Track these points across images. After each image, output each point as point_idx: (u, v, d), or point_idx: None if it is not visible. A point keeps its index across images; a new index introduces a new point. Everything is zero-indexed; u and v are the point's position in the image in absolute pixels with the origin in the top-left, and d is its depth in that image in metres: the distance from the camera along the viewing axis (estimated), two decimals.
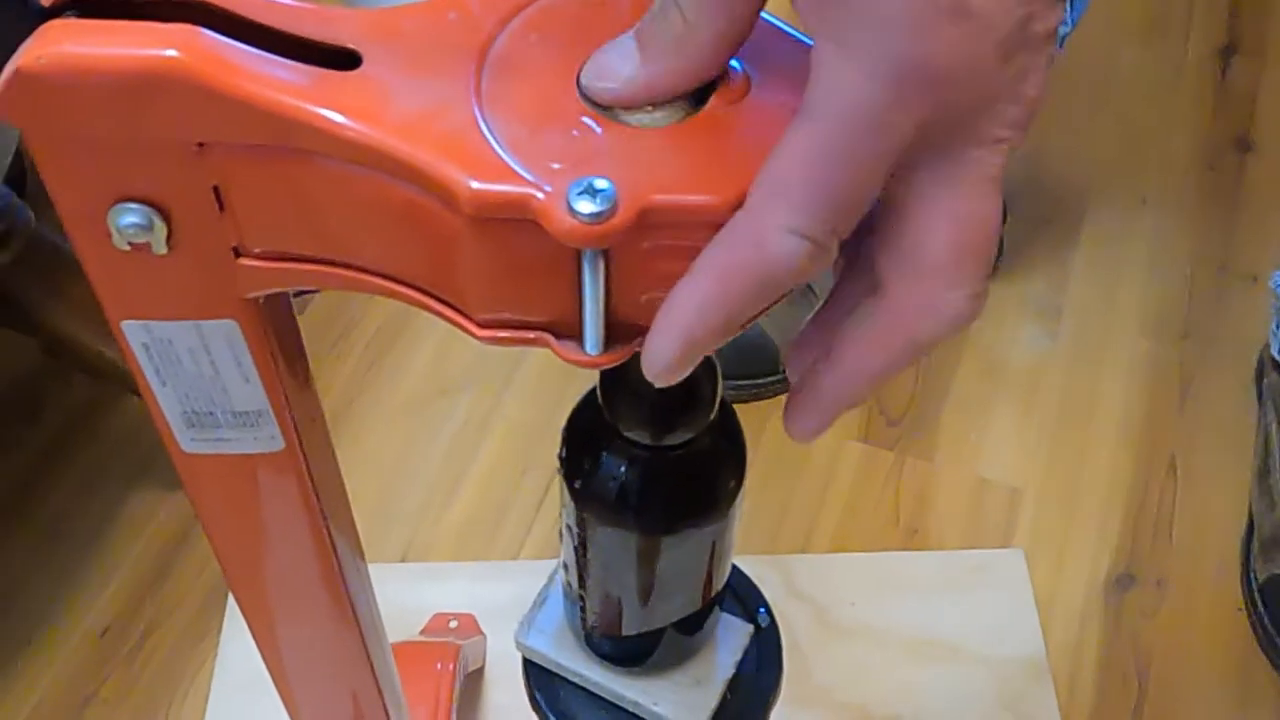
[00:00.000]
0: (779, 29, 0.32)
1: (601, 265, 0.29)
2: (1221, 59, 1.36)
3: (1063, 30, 0.93)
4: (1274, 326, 1.02)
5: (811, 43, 0.32)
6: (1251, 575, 0.96)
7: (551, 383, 1.09)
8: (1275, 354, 1.01)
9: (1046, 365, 1.11)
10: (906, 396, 1.09)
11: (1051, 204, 1.22)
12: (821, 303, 1.26)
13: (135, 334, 0.36)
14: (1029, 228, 1.19)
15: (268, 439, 0.40)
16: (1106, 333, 1.14)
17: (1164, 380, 1.11)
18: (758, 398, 1.07)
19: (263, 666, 0.55)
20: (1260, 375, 1.08)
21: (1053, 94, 0.97)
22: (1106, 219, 1.21)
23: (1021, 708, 0.92)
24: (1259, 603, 0.95)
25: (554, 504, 1.02)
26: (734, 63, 0.31)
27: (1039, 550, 1.00)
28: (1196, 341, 1.13)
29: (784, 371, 1.08)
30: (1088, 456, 1.06)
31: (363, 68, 0.30)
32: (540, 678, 0.56)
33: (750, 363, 1.06)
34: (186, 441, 0.41)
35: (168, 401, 0.39)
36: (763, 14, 0.32)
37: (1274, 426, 1.00)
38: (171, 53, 0.28)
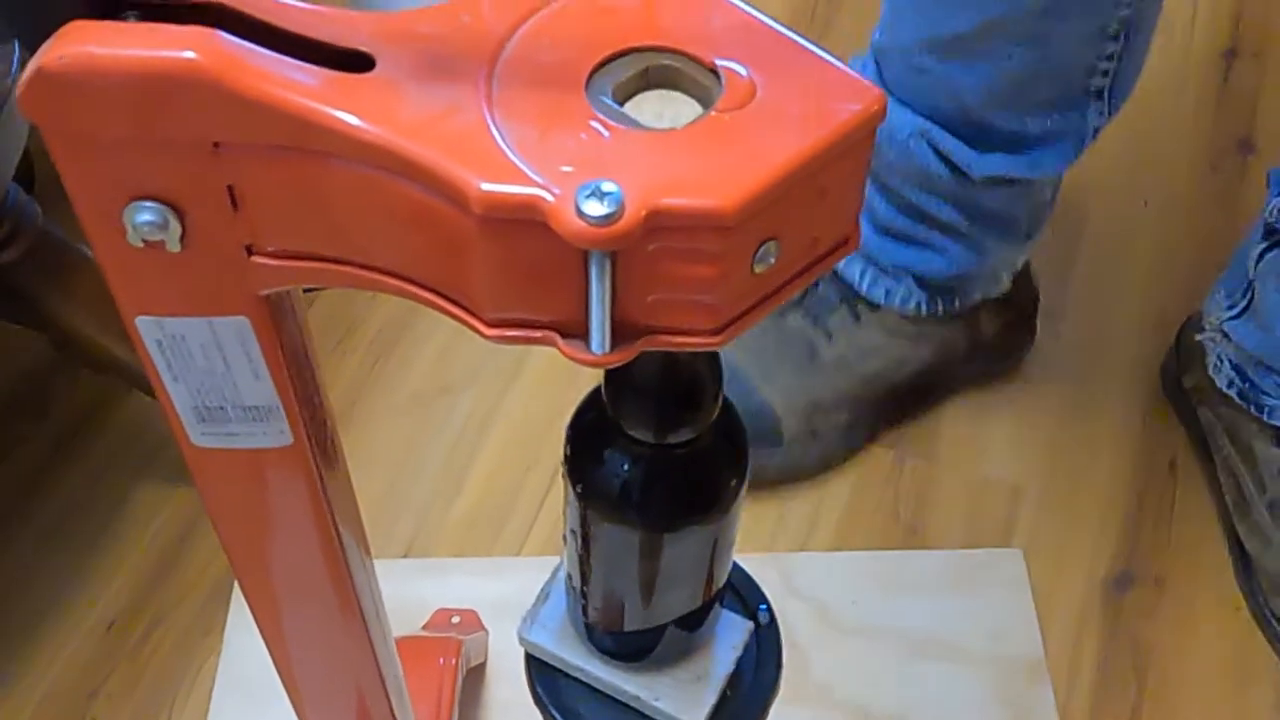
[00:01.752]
0: (783, 35, 0.33)
1: (609, 266, 0.29)
2: (1224, 61, 1.36)
3: (1098, 122, 0.86)
4: (1215, 360, 0.98)
5: (815, 49, 0.32)
6: (1269, 615, 0.95)
7: (555, 382, 1.10)
8: (1224, 388, 0.97)
9: (1048, 365, 1.11)
10: None
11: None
12: (828, 371, 1.13)
13: (149, 330, 0.37)
14: None
15: (277, 434, 0.41)
16: (1108, 333, 1.14)
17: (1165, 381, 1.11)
18: (756, 477, 0.99)
19: (268, 661, 0.56)
20: (1186, 400, 1.04)
21: None
22: (1109, 220, 1.21)
23: (1020, 707, 0.92)
24: None
25: (557, 501, 1.02)
26: (739, 67, 0.32)
27: (1038, 549, 1.00)
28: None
29: (790, 443, 0.97)
30: (1088, 456, 1.06)
31: (376, 70, 0.31)
32: (542, 672, 0.57)
33: (750, 434, 0.98)
34: (197, 435, 0.41)
35: (179, 396, 0.40)
36: (766, 19, 0.33)
37: (1236, 460, 0.98)
38: (189, 54, 0.29)
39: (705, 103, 0.32)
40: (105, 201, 0.32)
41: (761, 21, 0.33)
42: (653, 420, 0.42)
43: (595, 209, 0.28)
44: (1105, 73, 0.83)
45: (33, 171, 1.07)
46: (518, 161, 0.29)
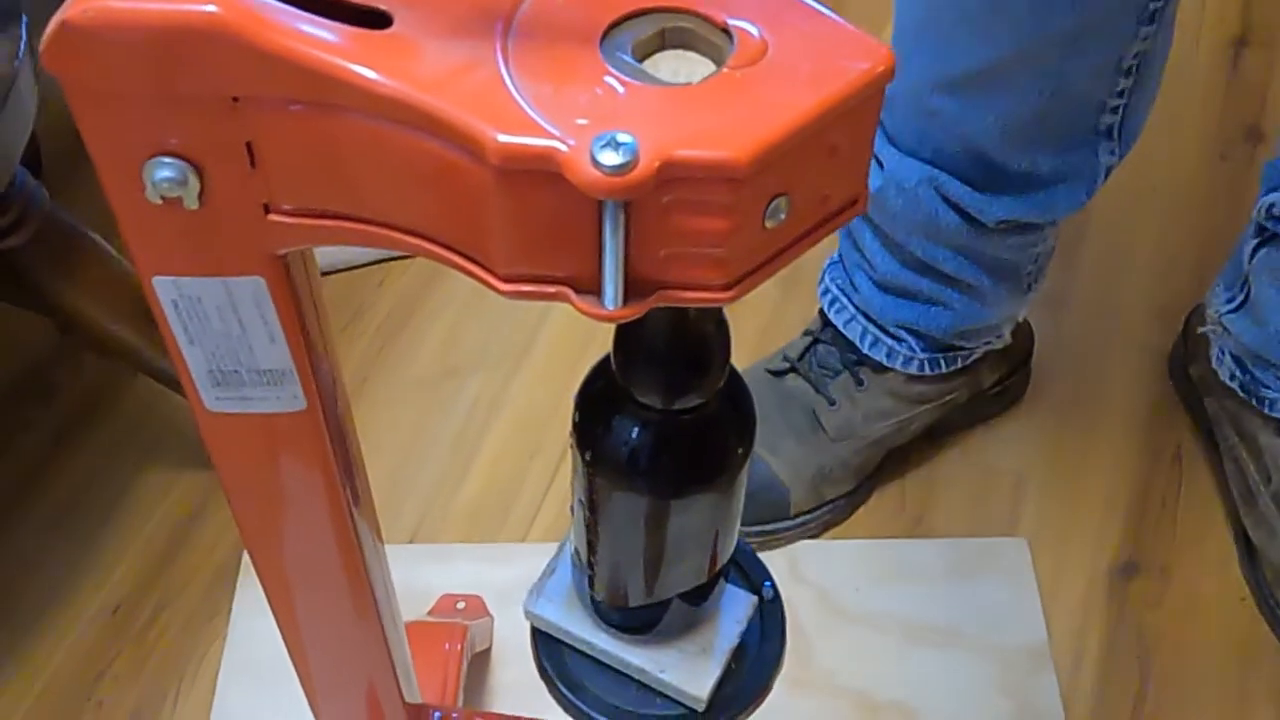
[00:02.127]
0: None
1: (622, 218, 0.30)
2: (1233, 50, 1.36)
3: (1109, 161, 0.86)
4: (1217, 352, 0.99)
5: (825, 10, 0.33)
6: (1273, 604, 0.95)
7: (560, 367, 1.10)
8: (1226, 380, 0.98)
9: (1053, 353, 1.11)
10: None
11: None
12: (833, 440, 1.14)
13: (165, 290, 0.37)
14: None
15: (290, 398, 0.41)
16: (1114, 321, 1.14)
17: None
18: (767, 546, 0.99)
19: (273, 644, 0.56)
20: (1193, 389, 1.05)
21: None
22: (1116, 208, 1.21)
23: (1023, 695, 0.93)
24: None
25: (562, 487, 1.03)
26: (750, 26, 0.32)
27: (1043, 538, 1.01)
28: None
29: (796, 516, 0.98)
30: (1093, 445, 1.06)
31: (394, 27, 0.31)
32: (548, 646, 0.57)
33: (761, 507, 0.98)
34: (211, 400, 0.42)
35: (194, 360, 0.40)
36: None
37: (1241, 450, 0.98)
38: (210, 8, 0.29)
39: (718, 61, 0.32)
40: (125, 158, 0.33)
41: None
42: (661, 385, 0.43)
43: (610, 159, 0.28)
44: (1115, 109, 0.83)
45: (40, 156, 1.08)
46: (534, 114, 0.29)
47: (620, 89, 0.30)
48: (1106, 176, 0.87)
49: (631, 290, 0.32)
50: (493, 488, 1.03)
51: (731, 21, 0.32)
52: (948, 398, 1.01)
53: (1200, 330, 1.01)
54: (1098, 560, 1.00)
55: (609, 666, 0.56)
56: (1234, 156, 1.27)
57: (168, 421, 1.05)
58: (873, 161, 0.90)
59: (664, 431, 0.44)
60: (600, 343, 0.42)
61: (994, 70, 0.80)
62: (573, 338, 1.11)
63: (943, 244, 0.91)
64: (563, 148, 0.29)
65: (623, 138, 0.28)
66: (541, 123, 0.29)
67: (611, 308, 0.32)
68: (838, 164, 0.32)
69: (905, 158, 0.88)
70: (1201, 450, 1.06)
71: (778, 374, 1.01)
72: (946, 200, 0.87)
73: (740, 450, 0.46)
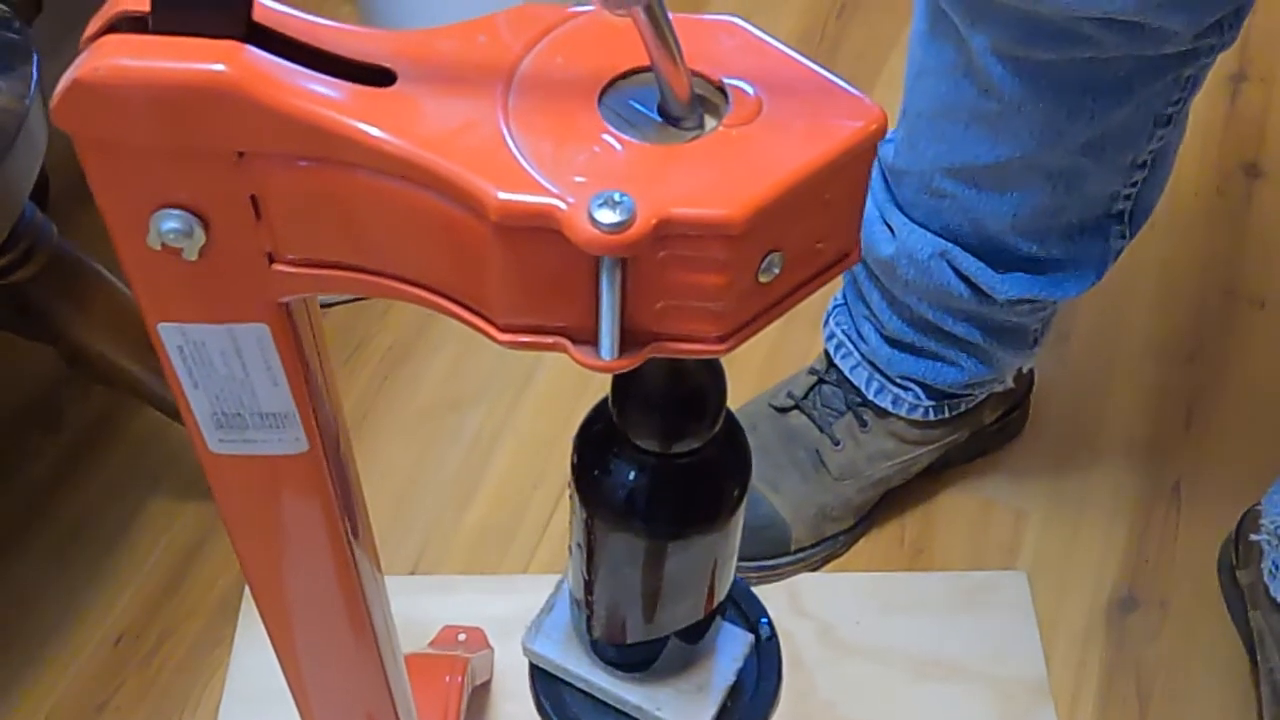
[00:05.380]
0: (787, 55, 0.34)
1: (619, 274, 0.30)
2: (1231, 85, 1.37)
3: (1119, 245, 0.87)
4: (1270, 565, 0.91)
5: (819, 69, 0.33)
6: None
7: (562, 398, 1.11)
8: (1277, 596, 0.90)
9: (1053, 388, 1.12)
10: None
11: None
12: (836, 479, 1.13)
13: (170, 336, 0.38)
14: None
15: (293, 441, 0.42)
16: (1113, 356, 1.15)
17: (1170, 404, 1.11)
18: (766, 580, 1.00)
19: (275, 675, 0.56)
20: (1239, 597, 0.97)
21: None
22: None
23: None
24: None
25: (563, 519, 1.03)
26: (746, 85, 0.33)
27: (1042, 571, 1.01)
28: (1203, 365, 1.14)
29: (796, 551, 0.98)
30: (1092, 479, 1.07)
31: (397, 85, 0.32)
32: (546, 683, 0.58)
33: (762, 543, 0.98)
34: (215, 442, 0.42)
35: (198, 403, 0.41)
36: (772, 40, 0.34)
37: None
38: (219, 67, 0.30)
39: (715, 118, 0.33)
40: (133, 210, 0.33)
41: (766, 42, 0.34)
42: (658, 430, 0.43)
43: (608, 217, 0.29)
44: (1129, 197, 0.84)
45: (48, 189, 1.09)
46: (533, 172, 0.30)
47: (618, 147, 0.31)
48: (1116, 258, 0.88)
49: (627, 341, 0.32)
50: (494, 519, 1.04)
51: (727, 80, 0.33)
52: (950, 438, 1.01)
53: (1253, 538, 0.93)
54: (1097, 593, 1.00)
55: (606, 704, 0.56)
56: (1232, 192, 1.27)
57: (172, 452, 1.06)
58: (883, 227, 0.90)
59: (661, 475, 0.45)
60: (601, 377, 0.42)
61: (1006, 166, 0.80)
62: (574, 370, 1.10)
63: (953, 312, 0.91)
64: (562, 206, 0.29)
65: (620, 196, 0.29)
66: (541, 180, 0.30)
67: (608, 358, 0.32)
68: (831, 219, 0.33)
69: (917, 228, 0.88)
70: (1201, 484, 1.05)
71: (781, 410, 1.01)
72: (959, 274, 0.88)
73: (736, 492, 0.47)
